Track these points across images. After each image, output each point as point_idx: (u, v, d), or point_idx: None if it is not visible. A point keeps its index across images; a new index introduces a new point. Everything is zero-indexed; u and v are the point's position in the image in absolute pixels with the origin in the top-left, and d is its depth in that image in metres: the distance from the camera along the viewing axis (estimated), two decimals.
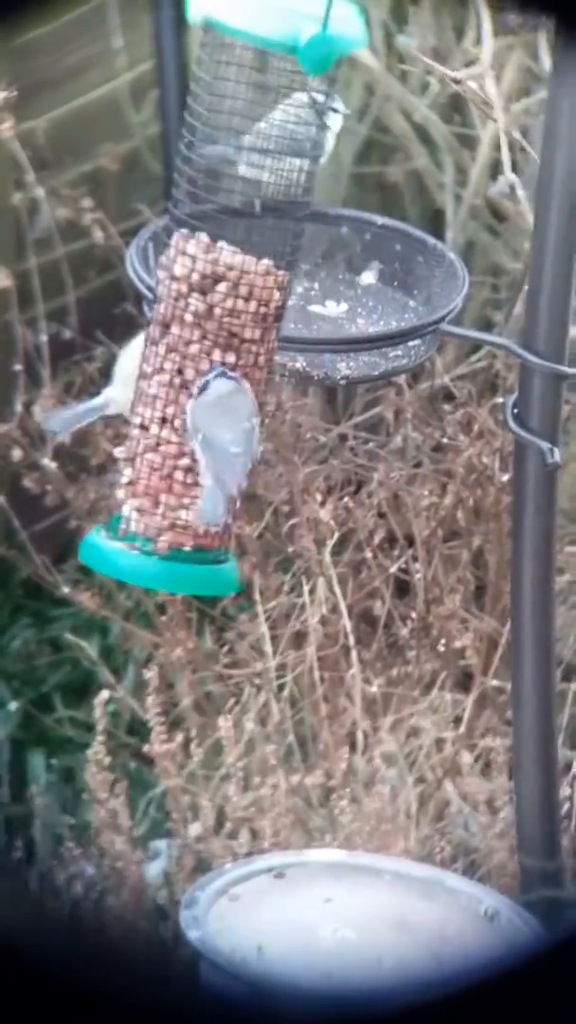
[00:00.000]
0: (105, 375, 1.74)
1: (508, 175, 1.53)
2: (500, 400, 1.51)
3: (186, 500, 1.08)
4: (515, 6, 1.29)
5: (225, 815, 1.51)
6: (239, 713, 1.54)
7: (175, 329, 1.07)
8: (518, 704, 1.21)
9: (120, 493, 1.10)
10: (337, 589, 1.51)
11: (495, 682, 1.50)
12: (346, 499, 1.53)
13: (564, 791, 1.29)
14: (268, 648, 1.53)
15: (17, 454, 1.67)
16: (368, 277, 1.20)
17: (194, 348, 1.07)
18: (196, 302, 1.06)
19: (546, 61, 1.60)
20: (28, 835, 1.57)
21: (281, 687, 1.54)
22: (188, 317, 1.06)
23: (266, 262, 1.07)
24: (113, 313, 1.77)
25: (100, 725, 1.50)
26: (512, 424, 1.16)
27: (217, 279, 1.06)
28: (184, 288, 1.06)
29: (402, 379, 1.52)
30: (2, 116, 1.69)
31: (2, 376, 1.72)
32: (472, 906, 1.19)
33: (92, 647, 1.71)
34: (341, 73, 1.07)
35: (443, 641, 1.50)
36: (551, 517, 1.17)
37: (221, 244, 1.07)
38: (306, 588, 1.50)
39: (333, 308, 1.17)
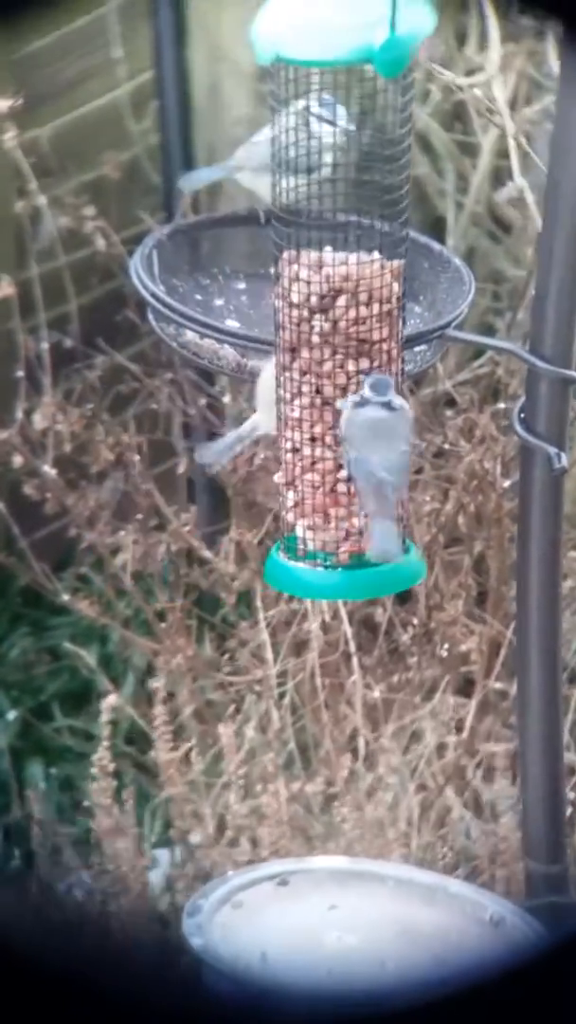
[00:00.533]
0: (106, 383, 1.76)
1: (518, 180, 1.53)
2: (502, 406, 1.51)
3: (354, 508, 1.08)
4: (523, 10, 1.30)
5: (226, 823, 1.50)
6: (240, 721, 1.53)
7: (304, 352, 1.07)
8: (524, 709, 1.20)
9: (289, 516, 1.11)
10: None
11: (498, 685, 1.49)
12: None
13: (568, 795, 1.28)
14: (269, 655, 1.52)
15: (18, 461, 1.67)
16: None
17: (327, 366, 1.08)
18: (319, 322, 1.07)
19: (547, 68, 1.61)
20: (27, 844, 1.56)
21: (282, 694, 1.53)
22: (315, 338, 1.07)
23: (376, 257, 1.07)
24: (115, 321, 1.77)
25: (105, 731, 1.49)
26: (519, 429, 1.16)
27: (336, 294, 1.07)
28: (305, 312, 1.07)
29: (404, 385, 1.52)
30: (5, 126, 1.69)
31: (3, 383, 1.72)
32: (476, 912, 1.18)
33: (91, 655, 1.71)
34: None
35: (445, 646, 1.49)
36: (557, 522, 1.17)
37: (328, 253, 1.06)
38: None
39: None
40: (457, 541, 1.53)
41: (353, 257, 1.07)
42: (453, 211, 1.77)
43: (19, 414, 1.68)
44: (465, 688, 1.53)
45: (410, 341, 1.14)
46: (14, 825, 1.63)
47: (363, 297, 1.07)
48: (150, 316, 1.18)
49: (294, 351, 1.08)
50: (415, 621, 1.52)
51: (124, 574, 1.64)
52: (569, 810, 1.26)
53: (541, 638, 1.19)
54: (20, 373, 1.70)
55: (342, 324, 1.07)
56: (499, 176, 1.75)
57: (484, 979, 0.90)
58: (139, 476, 1.64)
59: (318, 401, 1.08)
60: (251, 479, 1.54)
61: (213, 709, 1.60)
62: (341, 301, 1.06)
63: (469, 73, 1.66)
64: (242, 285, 1.19)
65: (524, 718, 1.20)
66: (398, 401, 1.08)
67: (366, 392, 1.06)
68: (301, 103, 1.05)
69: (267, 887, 1.20)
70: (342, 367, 1.07)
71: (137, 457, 1.64)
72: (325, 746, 1.49)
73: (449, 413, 1.55)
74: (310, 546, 1.10)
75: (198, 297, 1.17)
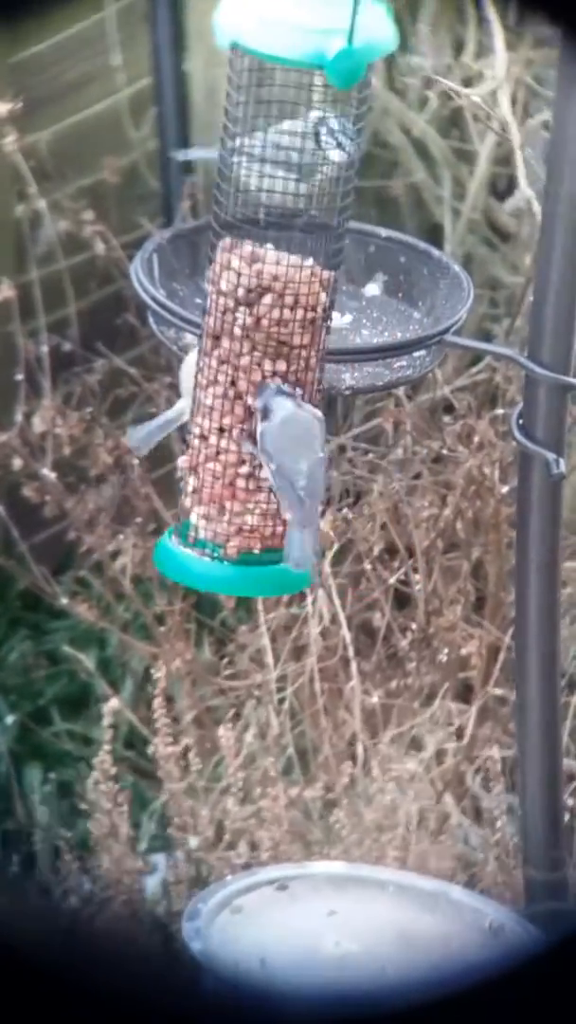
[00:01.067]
0: (105, 387, 1.75)
1: (525, 190, 1.53)
2: (500, 412, 1.51)
3: (250, 505, 1.08)
4: (522, 16, 1.29)
5: (224, 828, 1.49)
6: (239, 726, 1.52)
7: (225, 342, 1.07)
8: (523, 716, 1.20)
9: (186, 501, 1.10)
10: (337, 600, 1.50)
11: (498, 691, 1.49)
12: (345, 510, 1.52)
13: (567, 802, 1.28)
14: (269, 660, 1.51)
15: (17, 464, 1.66)
16: (373, 289, 1.19)
17: (245, 360, 1.07)
18: (243, 315, 1.06)
19: (544, 77, 1.61)
20: (25, 849, 1.55)
21: (281, 699, 1.52)
22: (237, 331, 1.07)
23: (310, 263, 1.07)
24: (114, 324, 1.76)
25: (107, 735, 1.48)
26: (517, 435, 1.15)
27: (263, 291, 1.06)
28: (231, 302, 1.07)
29: (401, 391, 1.51)
30: (5, 130, 1.69)
31: (3, 386, 1.71)
32: (476, 919, 1.17)
33: (90, 659, 1.70)
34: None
35: (445, 651, 1.49)
36: (556, 528, 1.17)
37: (265, 250, 1.06)
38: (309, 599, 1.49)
39: (337, 319, 1.15)
40: (455, 547, 1.53)
41: (287, 259, 1.06)
42: (450, 218, 1.77)
43: (19, 417, 1.67)
44: (464, 694, 1.52)
45: (411, 346, 1.14)
46: (13, 830, 1.62)
47: (289, 300, 1.06)
48: (150, 320, 1.18)
49: (217, 338, 1.07)
50: (414, 626, 1.51)
51: (123, 578, 1.63)
52: (568, 816, 1.25)
53: (540, 644, 1.18)
54: (19, 376, 1.69)
55: (264, 322, 1.06)
56: (496, 184, 1.75)
57: (483, 982, 0.89)
58: (138, 479, 1.63)
59: (231, 393, 1.07)
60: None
61: (212, 714, 1.59)
62: (267, 299, 1.06)
63: (466, 81, 1.66)
64: None
65: (523, 725, 1.20)
66: (292, 392, 1.06)
67: (258, 404, 1.06)
68: (315, 115, 1.04)
69: (266, 892, 1.19)
70: (259, 365, 1.06)
71: (136, 460, 1.63)
72: (324, 751, 1.49)
73: (447, 419, 1.54)
74: (201, 534, 1.08)
75: (198, 301, 1.16)
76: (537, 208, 1.54)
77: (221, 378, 1.08)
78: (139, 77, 1.93)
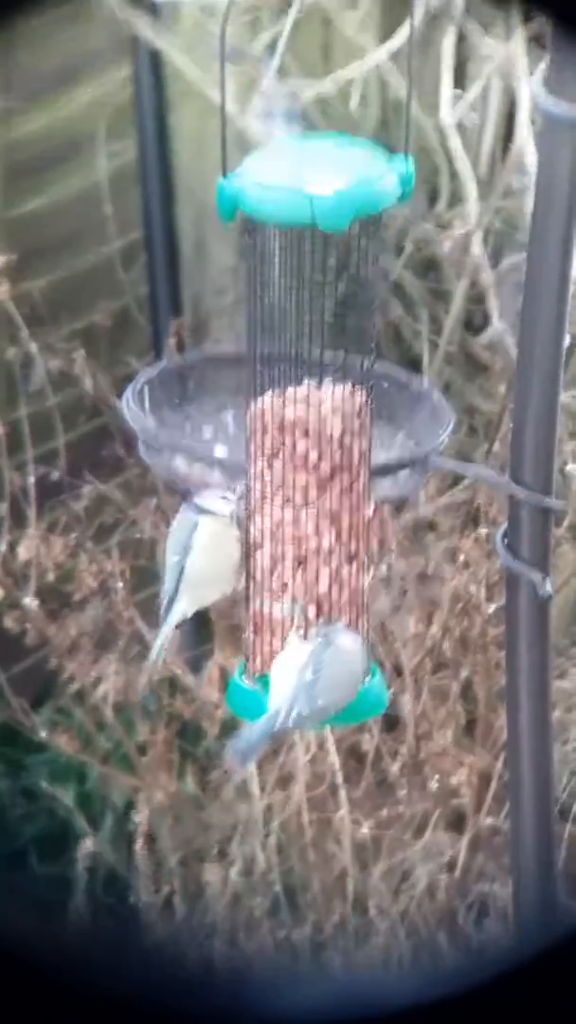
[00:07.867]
0: (90, 514, 1.72)
1: (498, 324, 1.54)
2: (484, 531, 1.48)
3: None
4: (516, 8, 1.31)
5: None
6: (225, 864, 1.41)
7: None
8: (517, 844, 1.11)
9: (248, 636, 1.09)
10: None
11: (490, 820, 1.39)
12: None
13: None
14: (255, 789, 1.42)
15: None
16: None
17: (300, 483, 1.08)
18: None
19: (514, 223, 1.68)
20: None
21: (267, 833, 1.43)
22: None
23: (340, 391, 1.09)
24: (100, 455, 1.75)
25: (81, 883, 1.37)
26: (503, 555, 1.12)
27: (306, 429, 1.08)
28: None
29: (384, 510, 1.49)
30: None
31: None
32: None
33: (69, 794, 1.60)
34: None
35: (436, 778, 1.40)
36: (545, 649, 1.12)
37: (304, 387, 1.08)
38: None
39: None
40: (443, 666, 1.47)
41: (334, 393, 1.09)
42: (428, 351, 1.79)
43: (2, 547, 1.63)
44: (456, 822, 1.43)
45: (395, 467, 1.14)
46: None
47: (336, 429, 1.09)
48: (140, 450, 1.17)
49: (270, 459, 1.07)
50: (404, 750, 1.43)
51: (105, 705, 1.56)
52: None
53: (534, 770, 1.11)
54: (3, 511, 1.66)
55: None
56: (472, 319, 1.79)
57: (479, 974, 0.79)
58: (121, 602, 1.58)
59: (288, 557, 1.07)
60: (234, 603, 1.49)
61: (196, 850, 1.48)
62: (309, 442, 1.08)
63: (440, 227, 1.71)
64: (230, 417, 1.19)
65: (518, 854, 1.11)
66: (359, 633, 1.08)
67: (332, 630, 1.07)
68: None
69: None
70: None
71: (120, 584, 1.58)
72: (313, 889, 1.38)
73: (430, 537, 1.52)
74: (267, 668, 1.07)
75: (188, 428, 1.15)
76: (510, 340, 1.57)
77: (279, 548, 1.08)
78: (130, 231, 1.99)
